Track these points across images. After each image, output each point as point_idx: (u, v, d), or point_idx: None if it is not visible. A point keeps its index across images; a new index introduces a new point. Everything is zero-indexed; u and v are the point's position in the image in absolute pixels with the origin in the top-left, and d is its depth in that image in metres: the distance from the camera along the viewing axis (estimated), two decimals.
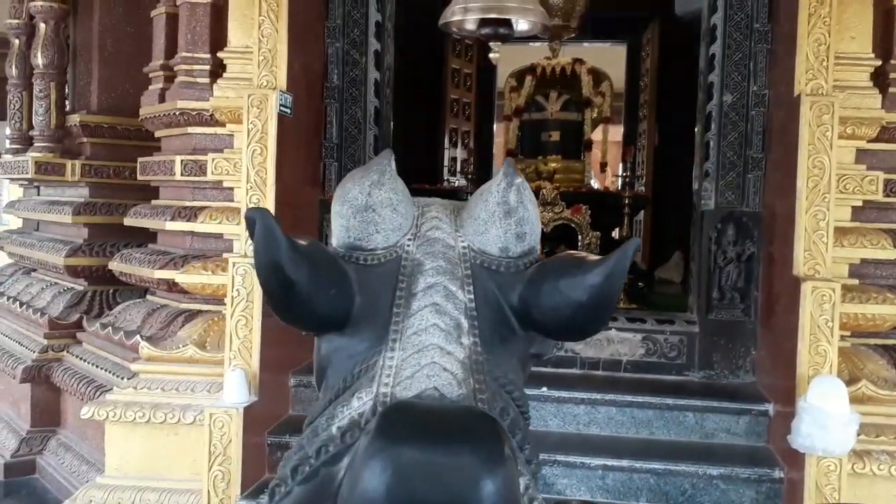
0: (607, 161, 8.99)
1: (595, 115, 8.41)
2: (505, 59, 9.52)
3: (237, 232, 3.80)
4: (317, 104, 4.44)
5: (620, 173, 9.59)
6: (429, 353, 1.12)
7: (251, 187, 3.66)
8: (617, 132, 9.99)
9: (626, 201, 7.34)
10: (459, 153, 9.68)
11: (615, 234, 8.17)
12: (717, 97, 4.19)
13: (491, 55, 5.16)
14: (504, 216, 1.27)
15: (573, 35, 8.06)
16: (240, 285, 3.62)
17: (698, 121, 4.41)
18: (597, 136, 8.75)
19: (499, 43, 5.01)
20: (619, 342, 4.23)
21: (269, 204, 3.67)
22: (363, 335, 1.18)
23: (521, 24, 4.11)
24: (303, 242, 1.15)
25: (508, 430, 1.12)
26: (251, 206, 1.09)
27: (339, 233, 1.26)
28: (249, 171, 3.66)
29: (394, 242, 1.26)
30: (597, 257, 1.18)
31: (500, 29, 4.10)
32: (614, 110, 9.23)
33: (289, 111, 3.82)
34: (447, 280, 1.21)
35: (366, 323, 1.18)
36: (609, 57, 9.44)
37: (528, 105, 8.52)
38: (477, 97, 10.03)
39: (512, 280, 1.23)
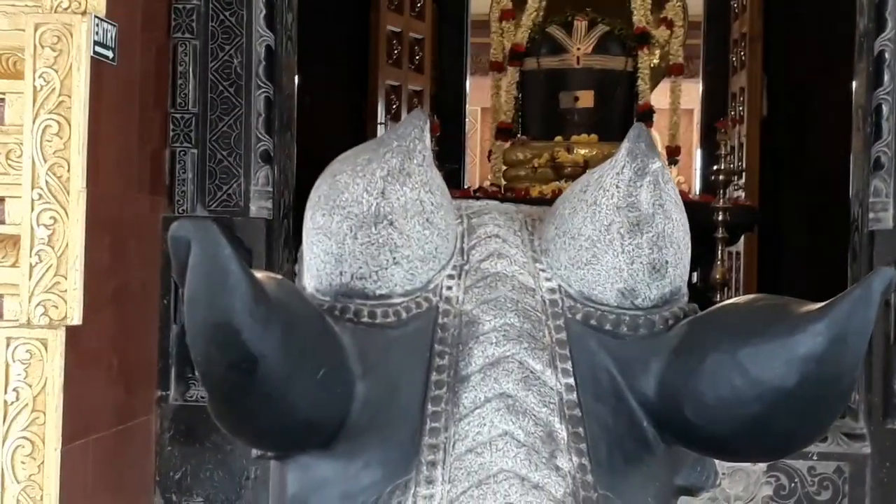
0: (679, 145, 9.02)
1: (656, 60, 8.48)
2: None
3: (13, 281, 3.72)
4: (160, 43, 4.43)
5: (702, 167, 9.67)
6: (500, 488, 1.14)
7: (40, 196, 3.61)
8: (694, 93, 10.07)
9: (718, 217, 7.39)
10: None
11: (695, 277, 8.22)
12: (894, 25, 4.25)
13: None
14: (630, 231, 1.29)
15: None
16: (20, 381, 3.56)
17: (857, 71, 4.45)
18: (660, 99, 8.81)
19: None
20: (726, 475, 4.22)
21: (76, 225, 3.61)
22: (370, 456, 1.20)
23: None
24: (271, 284, 1.16)
25: None
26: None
27: (325, 266, 1.29)
28: (36, 164, 3.61)
29: (424, 283, 1.30)
30: (810, 304, 1.18)
31: None
32: (689, 52, 9.32)
33: (111, 55, 3.80)
34: (524, 351, 1.23)
35: (375, 433, 1.21)
36: None
37: (535, 43, 8.56)
38: (436, 30, 10.06)
39: (643, 350, 1.26)
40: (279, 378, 1.13)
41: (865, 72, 4.38)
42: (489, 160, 9.82)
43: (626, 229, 1.28)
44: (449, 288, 1.29)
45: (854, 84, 4.49)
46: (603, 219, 1.29)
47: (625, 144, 1.32)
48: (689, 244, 1.35)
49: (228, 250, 1.08)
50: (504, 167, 9.07)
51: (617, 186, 1.29)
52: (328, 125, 7.58)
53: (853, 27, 4.50)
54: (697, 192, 9.68)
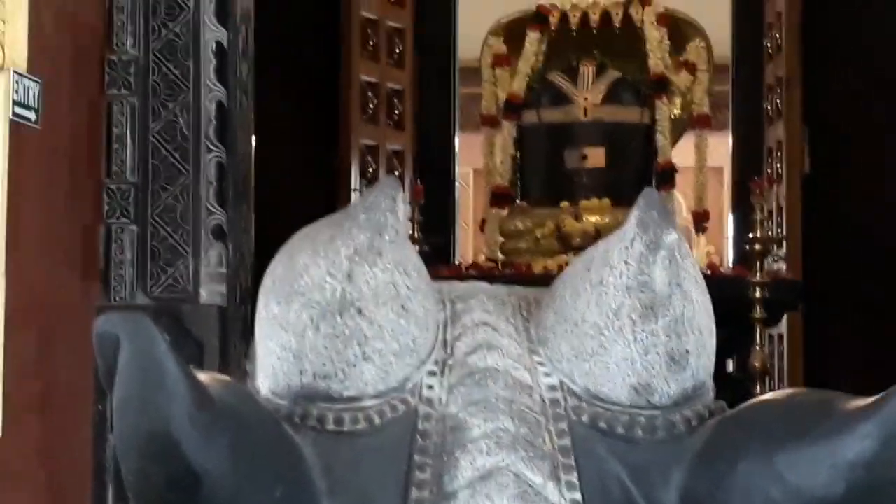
0: (707, 209, 9.07)
1: (677, 111, 8.51)
2: None
3: None
4: (92, 101, 4.42)
5: (735, 235, 9.68)
6: None
7: None
8: (723, 148, 10.09)
9: (755, 294, 7.39)
10: None
11: (730, 365, 8.18)
12: None
13: None
14: (642, 316, 1.30)
15: None
16: None
17: None
18: (683, 155, 8.82)
19: None
20: None
21: None
22: None
23: None
24: (216, 386, 1.16)
25: None
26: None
27: (282, 364, 1.31)
28: None
29: (400, 381, 1.30)
30: (858, 399, 1.19)
31: None
32: (716, 101, 9.34)
33: (33, 116, 3.81)
34: (521, 461, 1.24)
35: None
36: None
37: (535, 93, 8.59)
38: (417, 79, 10.11)
39: (662, 457, 1.28)
40: (227, 497, 1.14)
41: None
42: (483, 231, 9.88)
43: (638, 314, 1.29)
44: (430, 387, 1.31)
45: None
46: (611, 302, 1.30)
47: (634, 213, 1.33)
48: (714, 330, 1.35)
49: (164, 346, 1.10)
50: (501, 239, 9.11)
51: (626, 263, 1.30)
52: (292, 194, 7.59)
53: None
54: (730, 265, 9.74)
